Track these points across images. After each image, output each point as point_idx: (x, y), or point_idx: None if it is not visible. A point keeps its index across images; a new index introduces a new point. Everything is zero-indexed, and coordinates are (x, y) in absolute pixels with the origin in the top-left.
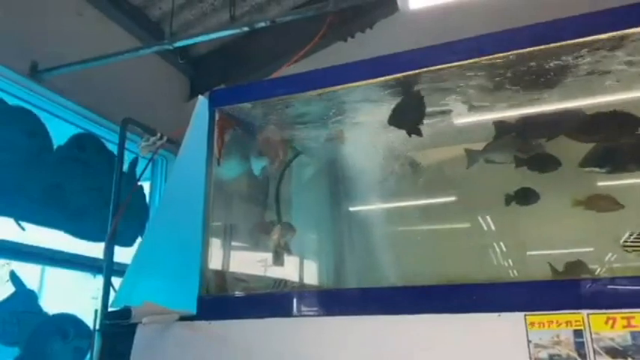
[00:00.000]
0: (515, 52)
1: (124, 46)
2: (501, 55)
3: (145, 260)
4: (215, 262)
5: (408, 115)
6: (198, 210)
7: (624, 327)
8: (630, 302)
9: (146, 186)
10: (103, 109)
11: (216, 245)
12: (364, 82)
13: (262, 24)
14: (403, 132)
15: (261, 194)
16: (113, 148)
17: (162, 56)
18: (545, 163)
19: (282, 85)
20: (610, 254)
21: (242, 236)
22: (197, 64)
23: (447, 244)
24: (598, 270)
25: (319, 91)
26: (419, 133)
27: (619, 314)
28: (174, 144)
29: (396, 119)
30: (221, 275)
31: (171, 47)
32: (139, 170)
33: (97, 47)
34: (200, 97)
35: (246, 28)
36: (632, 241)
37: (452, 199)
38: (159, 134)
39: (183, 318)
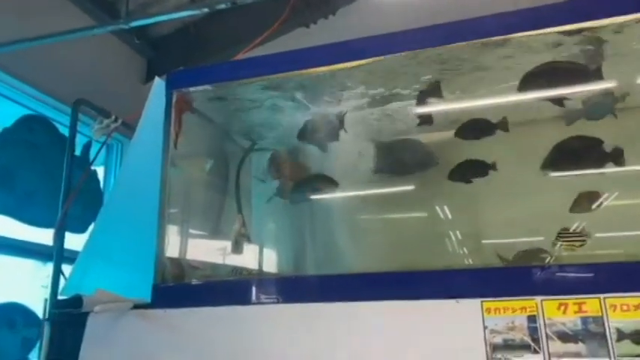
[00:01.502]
0: (478, 40)
1: (77, 24)
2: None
3: (98, 247)
4: (171, 250)
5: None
6: (153, 196)
7: (575, 312)
8: (581, 288)
9: (100, 171)
10: (54, 89)
11: (172, 232)
12: (325, 68)
13: (223, 5)
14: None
15: (220, 180)
16: (65, 131)
17: (118, 36)
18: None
19: (242, 68)
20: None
21: (200, 223)
22: (156, 45)
23: (407, 232)
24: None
25: (280, 75)
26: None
27: (571, 300)
28: (129, 127)
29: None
30: (177, 263)
31: (126, 27)
32: (92, 154)
33: (47, 24)
34: (157, 78)
35: (205, 9)
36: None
37: (411, 187)
38: (113, 117)
39: (137, 306)
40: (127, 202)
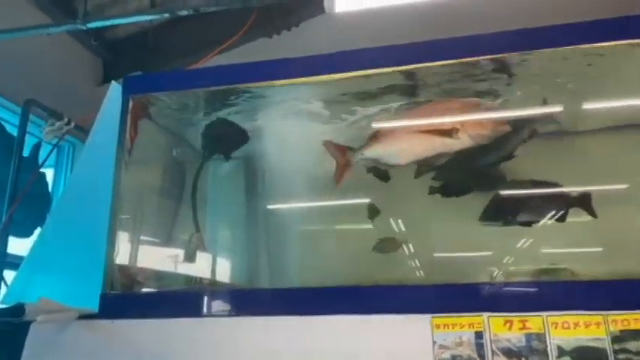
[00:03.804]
0: (439, 63)
1: (30, 20)
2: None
3: (43, 253)
4: (121, 258)
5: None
6: (104, 202)
7: (520, 329)
8: (526, 306)
9: (50, 173)
10: (3, 88)
11: (123, 240)
12: (287, 81)
13: (185, 12)
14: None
15: (175, 187)
16: (13, 131)
17: (74, 36)
18: None
19: (203, 77)
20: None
21: (152, 230)
22: (113, 48)
23: (359, 245)
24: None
25: (241, 85)
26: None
27: (516, 317)
28: (82, 130)
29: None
30: (127, 272)
31: (84, 28)
32: (42, 156)
33: None
34: (113, 82)
35: (166, 15)
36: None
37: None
38: (66, 119)
39: (83, 316)
40: (77, 207)
